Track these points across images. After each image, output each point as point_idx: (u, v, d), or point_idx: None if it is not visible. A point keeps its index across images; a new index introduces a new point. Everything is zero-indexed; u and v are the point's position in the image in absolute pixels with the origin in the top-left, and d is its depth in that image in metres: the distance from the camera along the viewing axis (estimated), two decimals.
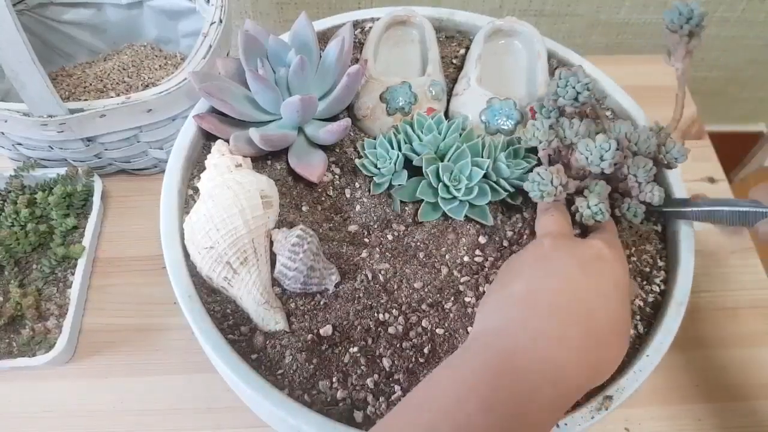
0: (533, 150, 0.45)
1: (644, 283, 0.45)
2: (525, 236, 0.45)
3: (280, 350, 0.40)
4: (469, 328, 0.41)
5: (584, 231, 0.44)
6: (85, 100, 0.65)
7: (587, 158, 0.40)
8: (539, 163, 0.46)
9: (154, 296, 0.58)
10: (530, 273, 0.36)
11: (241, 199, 0.42)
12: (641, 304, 0.44)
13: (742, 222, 0.41)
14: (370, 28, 0.56)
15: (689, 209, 0.43)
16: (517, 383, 0.31)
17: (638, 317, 0.43)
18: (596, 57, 0.56)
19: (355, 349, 0.40)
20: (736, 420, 0.53)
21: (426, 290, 0.43)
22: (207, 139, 0.49)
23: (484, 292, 0.43)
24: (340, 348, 0.40)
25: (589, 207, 0.40)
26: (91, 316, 0.57)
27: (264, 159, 0.48)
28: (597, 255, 0.37)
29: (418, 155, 0.46)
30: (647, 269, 0.45)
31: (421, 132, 0.47)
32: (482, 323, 0.36)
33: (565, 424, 0.37)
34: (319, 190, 0.48)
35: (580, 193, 0.42)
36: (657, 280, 0.45)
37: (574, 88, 0.42)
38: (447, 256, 0.45)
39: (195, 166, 0.48)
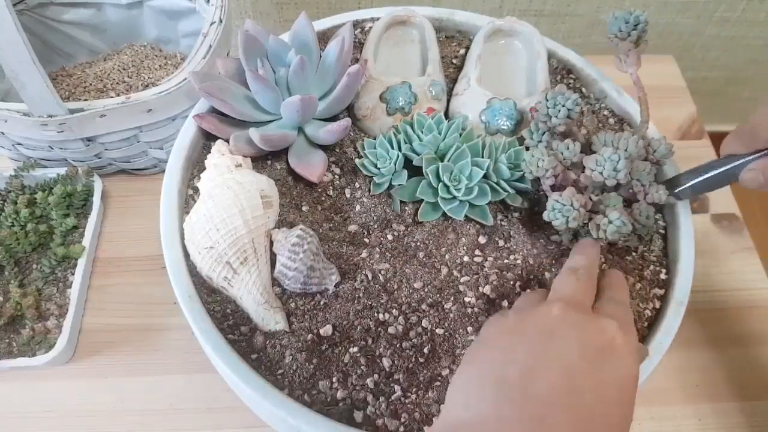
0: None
1: (653, 286, 0.44)
2: (523, 236, 0.45)
3: (280, 350, 0.40)
4: (469, 328, 0.41)
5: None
6: (85, 100, 0.65)
7: (601, 173, 0.39)
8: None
9: (154, 296, 0.58)
10: (528, 352, 0.32)
11: (241, 199, 0.42)
12: (648, 313, 0.43)
13: (730, 180, 0.40)
14: (370, 28, 0.56)
15: (676, 190, 0.43)
16: None
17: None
18: (596, 57, 0.56)
19: (355, 349, 0.40)
20: (736, 420, 0.53)
21: (426, 290, 0.43)
22: (207, 139, 0.49)
23: (483, 292, 0.43)
24: (340, 348, 0.40)
25: (611, 222, 0.39)
26: (91, 316, 0.57)
27: (264, 159, 0.48)
28: (608, 344, 0.32)
29: (418, 155, 0.46)
30: (652, 276, 0.45)
31: (421, 132, 0.47)
32: (464, 409, 0.32)
33: None
34: (319, 190, 0.48)
35: (593, 211, 0.42)
36: (660, 281, 0.45)
37: (564, 105, 0.42)
38: (447, 256, 0.45)
39: (195, 166, 0.48)
